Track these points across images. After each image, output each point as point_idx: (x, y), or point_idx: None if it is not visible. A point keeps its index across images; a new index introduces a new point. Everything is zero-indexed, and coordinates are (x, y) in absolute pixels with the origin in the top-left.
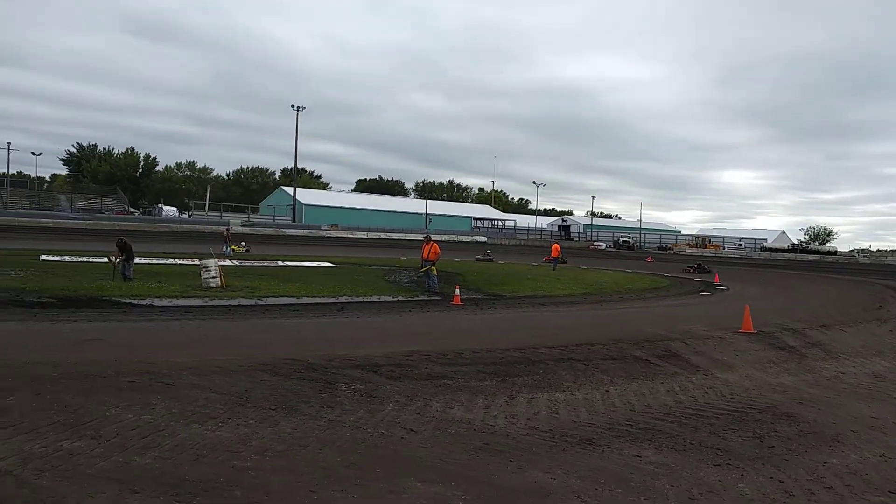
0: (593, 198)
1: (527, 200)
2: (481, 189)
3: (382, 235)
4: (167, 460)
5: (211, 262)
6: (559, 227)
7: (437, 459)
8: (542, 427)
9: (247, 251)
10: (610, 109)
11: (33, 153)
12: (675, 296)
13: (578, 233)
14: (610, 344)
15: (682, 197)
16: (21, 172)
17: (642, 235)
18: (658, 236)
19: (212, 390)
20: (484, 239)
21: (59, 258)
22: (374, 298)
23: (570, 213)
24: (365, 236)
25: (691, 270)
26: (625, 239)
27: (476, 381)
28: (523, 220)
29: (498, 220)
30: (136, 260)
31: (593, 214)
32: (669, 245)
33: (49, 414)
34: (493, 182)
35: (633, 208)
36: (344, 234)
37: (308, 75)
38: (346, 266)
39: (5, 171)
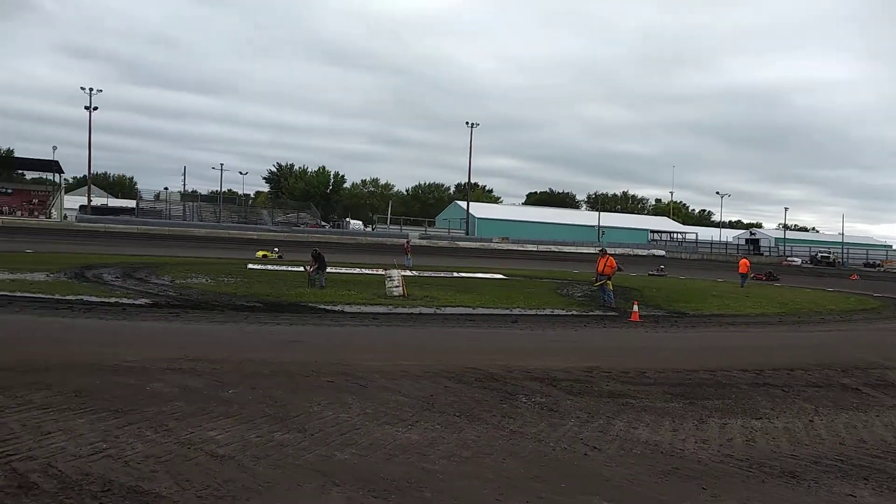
0: (786, 209)
1: (709, 212)
2: (658, 200)
3: (553, 248)
4: (363, 457)
5: (394, 273)
6: (746, 240)
7: (623, 480)
8: (737, 455)
9: (279, 257)
10: (803, 113)
11: (241, 173)
12: (889, 318)
13: (769, 247)
14: (812, 369)
15: (893, 208)
16: (231, 190)
17: (844, 250)
18: (864, 252)
19: (400, 393)
20: (662, 252)
21: (262, 267)
22: (548, 311)
23: (758, 225)
24: (535, 249)
25: None
26: (824, 254)
27: (661, 401)
28: (705, 233)
29: (677, 232)
30: (328, 269)
31: (786, 227)
32: (878, 262)
33: (262, 407)
34: (671, 193)
35: (831, 220)
36: (514, 247)
37: (482, 93)
38: (518, 278)
39: (218, 189)
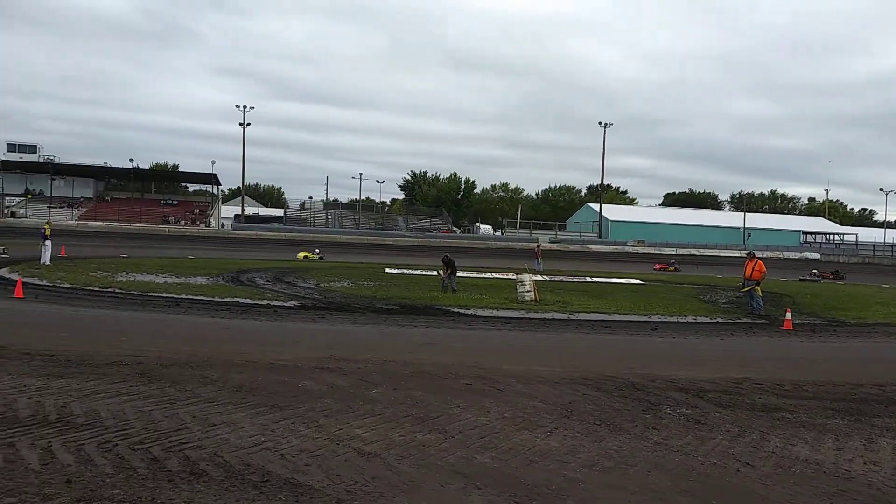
0: None
1: (870, 211)
2: (811, 199)
3: (693, 251)
4: (503, 461)
5: (525, 277)
6: None
7: (783, 500)
8: None
9: (320, 258)
10: None
11: (378, 181)
12: None
13: None
14: None
15: None
16: (368, 198)
17: None
18: None
19: (538, 399)
20: (816, 255)
21: (398, 271)
22: (690, 319)
23: None
24: (674, 252)
25: None
26: None
27: (822, 417)
28: (866, 234)
29: (833, 233)
30: (459, 274)
31: None
32: None
33: (404, 407)
34: (826, 191)
35: None
36: (651, 251)
37: (617, 91)
38: (656, 284)
39: (357, 197)
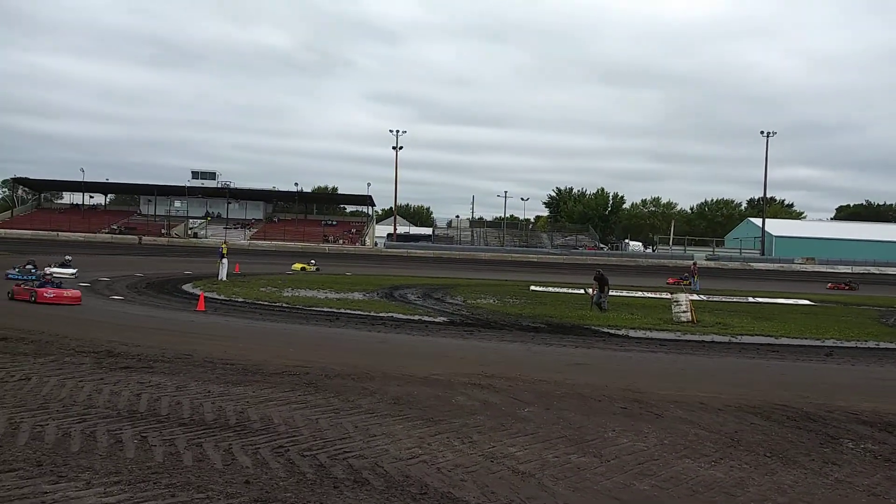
0: None
1: None
2: None
3: (872, 270)
4: (664, 490)
5: (682, 297)
6: None
7: None
8: None
9: (317, 270)
10: None
11: (522, 199)
12: None
13: None
14: None
15: None
16: (513, 216)
17: None
18: None
19: (699, 426)
20: None
21: (544, 289)
22: (871, 344)
23: None
24: (849, 270)
25: None
26: None
27: None
28: None
29: None
30: (609, 292)
31: None
32: None
33: (557, 428)
34: None
35: None
36: (822, 269)
37: (780, 97)
38: (829, 305)
39: (502, 215)
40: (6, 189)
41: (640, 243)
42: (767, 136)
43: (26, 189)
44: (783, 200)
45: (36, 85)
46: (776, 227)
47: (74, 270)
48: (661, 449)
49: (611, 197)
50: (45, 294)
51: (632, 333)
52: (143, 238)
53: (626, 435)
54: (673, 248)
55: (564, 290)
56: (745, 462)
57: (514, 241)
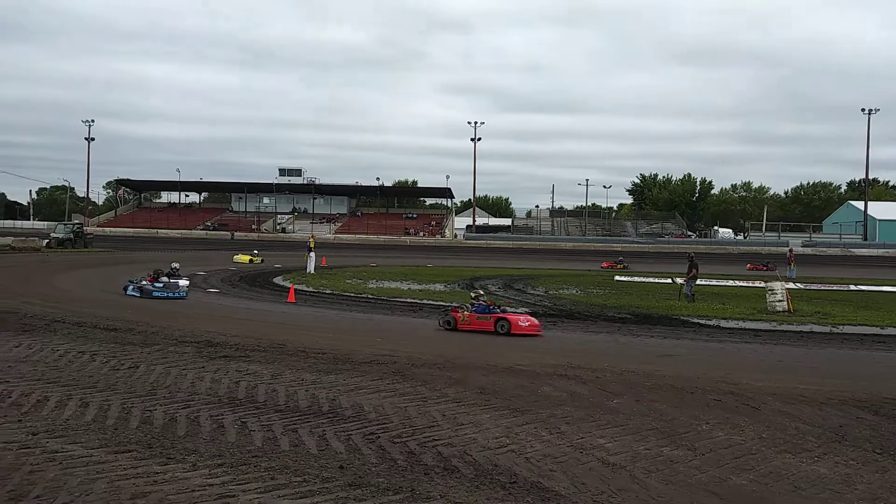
0: None
1: None
2: None
3: None
4: (763, 485)
5: (777, 286)
6: None
7: None
8: None
9: (262, 261)
10: None
11: (604, 186)
12: None
13: None
14: None
15: None
16: (595, 204)
17: None
18: None
19: (801, 420)
20: None
21: (629, 278)
22: None
23: None
24: None
25: None
26: None
27: None
28: None
29: None
30: (698, 281)
31: None
32: None
33: (647, 420)
34: None
35: None
36: None
37: (883, 71)
38: None
39: (583, 203)
40: (110, 190)
41: (731, 230)
42: (869, 114)
43: (128, 190)
44: (887, 182)
45: (129, 90)
46: (880, 210)
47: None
48: (760, 443)
49: (698, 182)
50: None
51: (723, 324)
52: (235, 234)
53: (721, 428)
54: (766, 234)
55: (651, 279)
56: (851, 458)
57: (597, 231)
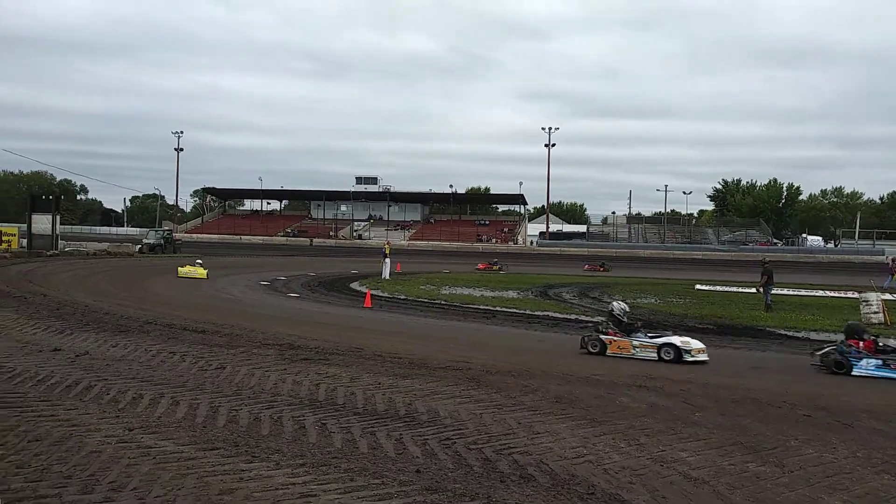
0: None
1: None
2: None
3: None
4: None
5: (872, 296)
6: None
7: None
8: None
9: (207, 275)
10: None
11: (684, 192)
12: None
13: None
14: None
15: None
16: (674, 210)
17: None
18: None
19: None
20: None
21: (710, 287)
22: None
23: None
24: None
25: None
26: None
27: None
28: None
29: None
30: (783, 291)
31: None
32: None
33: (732, 434)
34: None
35: None
36: None
37: None
38: None
39: (662, 210)
40: (197, 198)
41: (820, 238)
42: None
43: (213, 197)
44: None
45: (211, 102)
46: None
47: None
48: (854, 462)
49: (784, 188)
50: None
51: (813, 336)
52: (314, 240)
53: (812, 445)
54: (859, 242)
55: (734, 288)
56: None
57: (676, 238)
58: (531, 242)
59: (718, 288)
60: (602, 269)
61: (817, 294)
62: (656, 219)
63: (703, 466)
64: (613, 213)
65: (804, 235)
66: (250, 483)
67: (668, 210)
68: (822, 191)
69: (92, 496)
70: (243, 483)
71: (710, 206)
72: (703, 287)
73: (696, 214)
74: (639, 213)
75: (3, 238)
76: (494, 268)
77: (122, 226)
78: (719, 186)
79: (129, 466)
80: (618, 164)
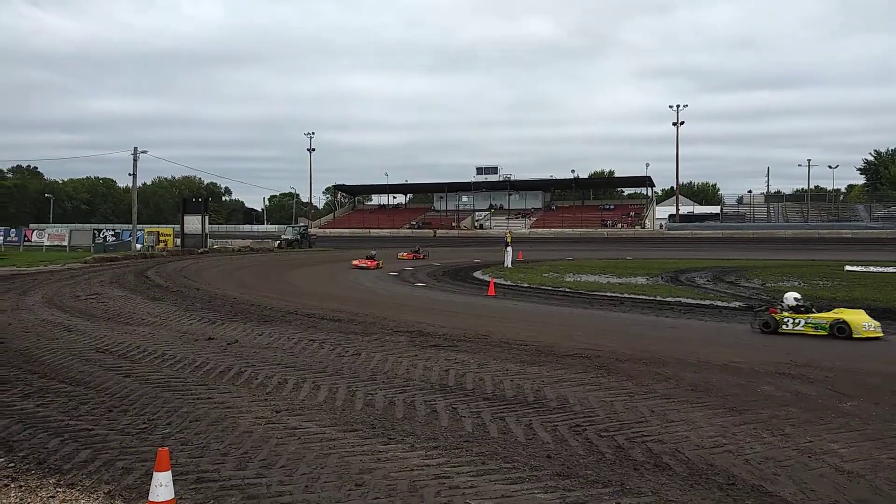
0: None
1: None
2: None
3: None
4: None
5: None
6: None
7: None
8: None
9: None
10: None
11: (829, 167)
12: None
13: None
14: None
15: None
16: (818, 186)
17: None
18: None
19: None
20: None
21: (862, 269)
22: None
23: None
24: None
25: None
26: None
27: None
28: None
29: None
30: None
31: None
32: None
33: (890, 426)
34: None
35: None
36: None
37: None
38: None
39: (805, 186)
40: (328, 195)
41: None
42: None
43: (344, 194)
44: None
45: (341, 103)
46: None
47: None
48: None
49: None
50: None
51: None
52: (437, 231)
53: None
54: None
55: (890, 269)
56: None
57: (822, 216)
58: (660, 226)
59: (871, 268)
60: (419, 255)
61: None
62: (798, 196)
63: (858, 459)
64: (750, 191)
65: None
66: (388, 464)
67: (812, 186)
68: None
69: (245, 472)
70: (381, 463)
71: (859, 181)
72: (854, 268)
73: (844, 190)
74: (778, 191)
75: (161, 238)
76: (420, 256)
77: (262, 223)
78: (871, 158)
79: (277, 445)
80: (752, 139)
